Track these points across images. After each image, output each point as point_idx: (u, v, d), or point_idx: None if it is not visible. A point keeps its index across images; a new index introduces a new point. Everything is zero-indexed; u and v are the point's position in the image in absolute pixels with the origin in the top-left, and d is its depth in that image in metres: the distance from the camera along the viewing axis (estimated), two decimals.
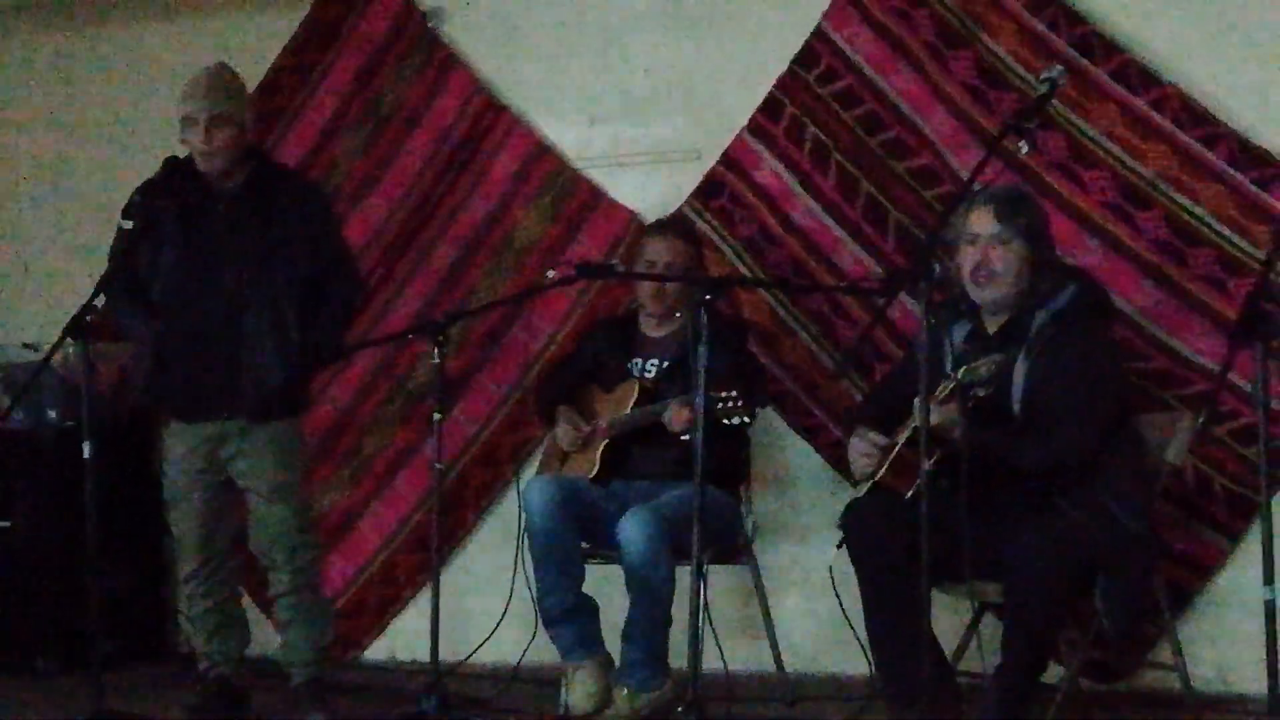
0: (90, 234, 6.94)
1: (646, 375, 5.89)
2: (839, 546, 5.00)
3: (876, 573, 4.91)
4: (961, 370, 4.79)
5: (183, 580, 5.78)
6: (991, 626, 5.31)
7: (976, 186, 4.89)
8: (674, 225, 6.09)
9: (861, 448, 5.11)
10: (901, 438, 4.96)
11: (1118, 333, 5.42)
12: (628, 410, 5.80)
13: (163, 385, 5.67)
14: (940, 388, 4.82)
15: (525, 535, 5.64)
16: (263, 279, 5.54)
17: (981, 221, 4.99)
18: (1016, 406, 4.90)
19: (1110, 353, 5.09)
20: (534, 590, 5.63)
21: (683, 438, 5.53)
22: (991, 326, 5.05)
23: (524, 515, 5.63)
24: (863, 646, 5.03)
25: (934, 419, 4.72)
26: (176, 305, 5.61)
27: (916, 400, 4.58)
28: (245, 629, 5.86)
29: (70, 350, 5.46)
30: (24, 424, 6.60)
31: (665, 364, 5.85)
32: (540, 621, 5.64)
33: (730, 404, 5.14)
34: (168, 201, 5.54)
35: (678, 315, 5.84)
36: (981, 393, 4.82)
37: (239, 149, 5.55)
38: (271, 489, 5.61)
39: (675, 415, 5.58)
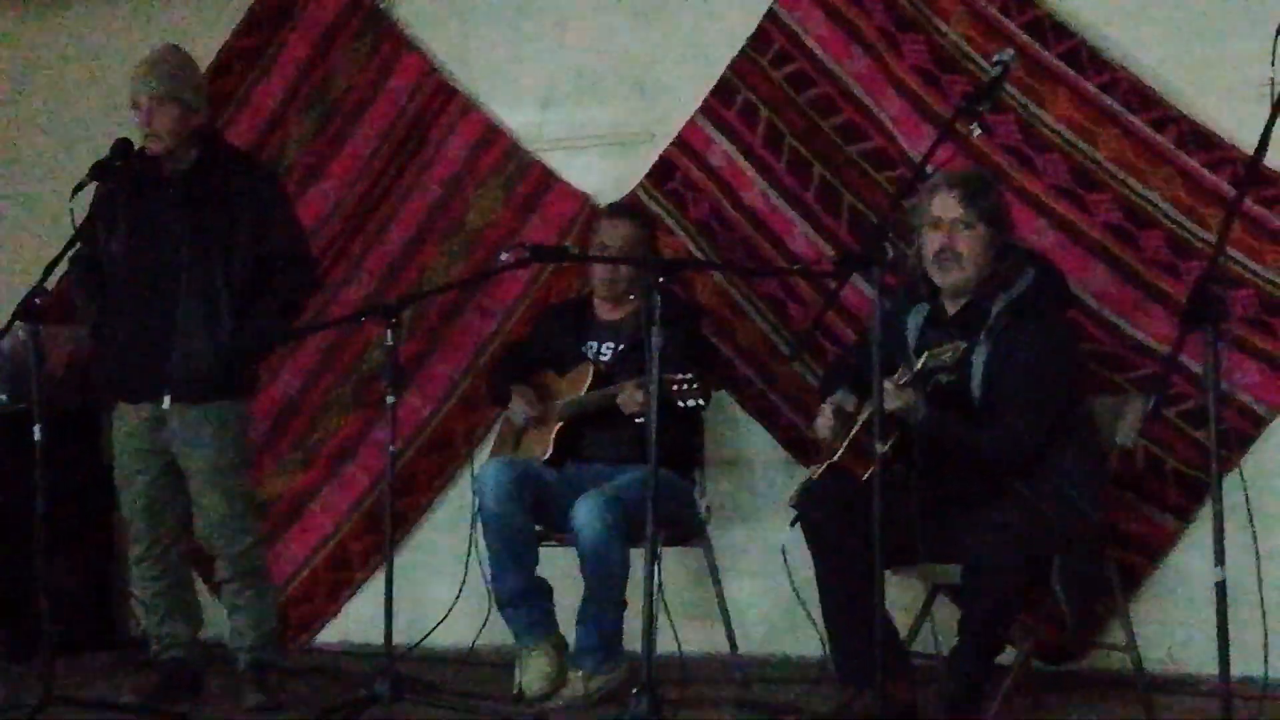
0: (39, 218, 6.92)
1: (601, 358, 5.89)
2: (792, 525, 5.01)
3: (831, 554, 4.92)
4: (925, 355, 4.81)
5: (133, 563, 5.77)
6: (945, 608, 5.34)
7: (929, 170, 4.89)
8: (627, 209, 6.09)
9: (823, 418, 5.12)
10: (860, 419, 4.97)
11: (1073, 318, 5.43)
12: (582, 392, 5.80)
13: (104, 365, 5.67)
14: (900, 372, 4.84)
15: (479, 518, 5.63)
16: (200, 261, 5.51)
17: (945, 206, 5.01)
18: (976, 393, 4.92)
19: (1066, 340, 5.11)
20: (488, 573, 5.63)
21: (636, 420, 5.53)
22: (951, 309, 5.07)
23: (478, 497, 5.63)
24: (816, 627, 5.04)
25: (894, 403, 4.74)
26: (121, 285, 5.61)
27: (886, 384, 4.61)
28: (197, 612, 5.85)
29: (19, 332, 5.43)
30: None
31: (620, 347, 5.85)
32: (494, 604, 5.63)
33: (685, 387, 5.16)
34: (119, 182, 5.52)
35: (631, 298, 5.84)
36: (944, 379, 4.85)
37: (184, 130, 5.53)
38: (208, 474, 5.58)
39: (628, 397, 5.58)
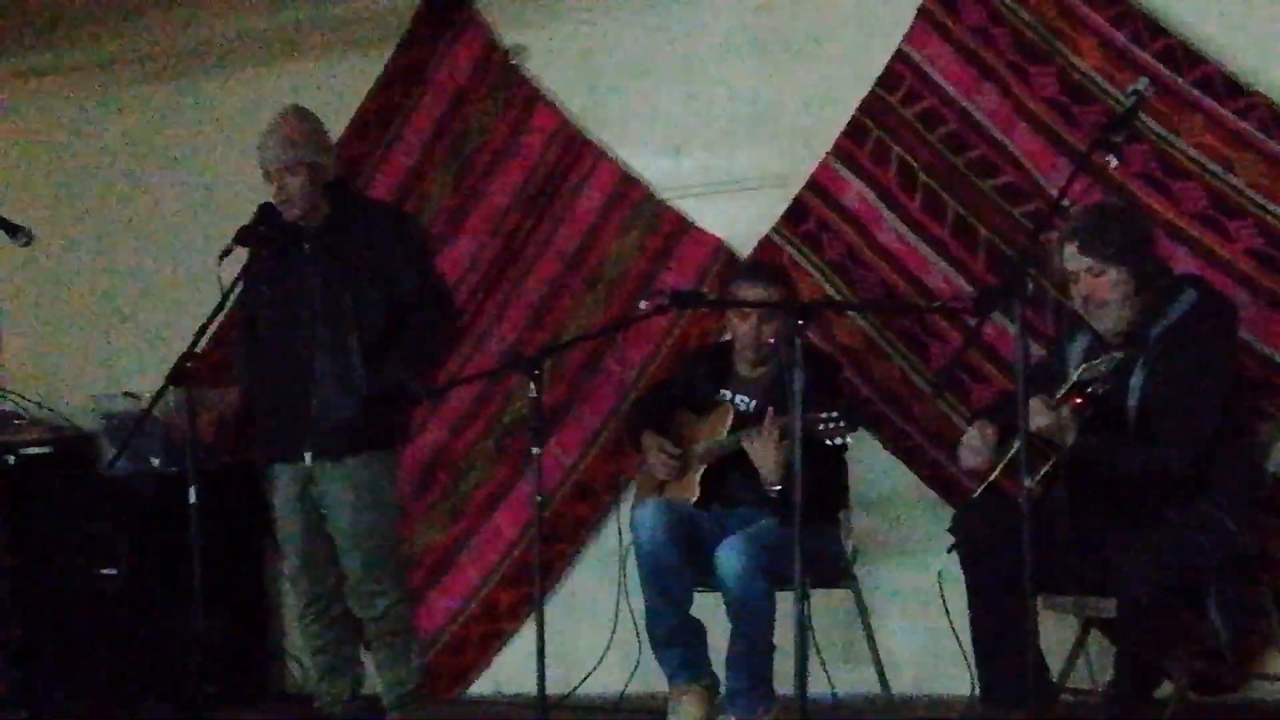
0: (185, 283, 7.04)
1: (739, 406, 5.87)
2: (949, 551, 4.99)
3: (984, 577, 4.91)
4: (1081, 368, 4.78)
5: (297, 620, 5.85)
6: (1099, 642, 5.30)
7: (1066, 203, 4.87)
8: (765, 269, 6.03)
9: (969, 440, 5.10)
10: (1016, 442, 4.93)
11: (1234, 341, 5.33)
12: (723, 436, 5.81)
13: (258, 426, 5.75)
14: (1060, 388, 4.81)
15: (633, 558, 5.65)
16: (332, 314, 5.59)
17: (1071, 258, 4.98)
18: (1132, 416, 4.88)
19: (1225, 364, 5.01)
20: (640, 616, 5.65)
21: (772, 490, 5.53)
22: (1112, 339, 5.02)
23: (633, 537, 5.64)
24: (968, 663, 5.02)
25: (1045, 421, 4.71)
26: (268, 346, 5.73)
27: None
28: (358, 670, 5.90)
29: (171, 398, 5.53)
30: (126, 471, 6.64)
31: (757, 403, 5.79)
32: (647, 647, 5.65)
33: (830, 425, 5.14)
34: (264, 245, 5.62)
35: (772, 353, 5.80)
36: (1100, 389, 4.80)
37: (314, 190, 5.62)
38: (347, 535, 5.65)
39: (762, 439, 5.53)
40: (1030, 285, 4.53)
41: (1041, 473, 4.73)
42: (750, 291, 5.80)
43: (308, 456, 5.64)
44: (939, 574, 5.07)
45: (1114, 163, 4.84)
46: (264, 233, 5.60)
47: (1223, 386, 4.94)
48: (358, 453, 5.62)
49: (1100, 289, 4.94)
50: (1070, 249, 4.97)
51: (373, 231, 5.67)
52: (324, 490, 5.65)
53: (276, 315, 5.73)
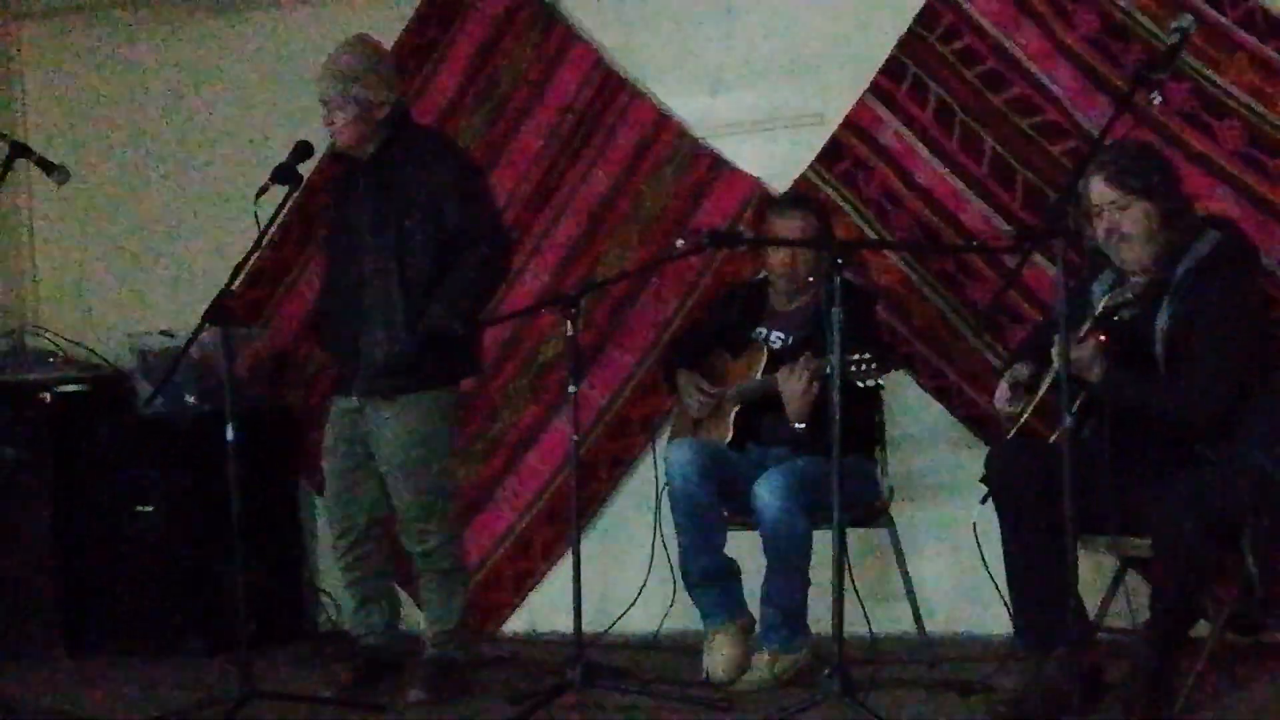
0: (222, 220, 7.05)
1: (772, 345, 5.87)
2: (983, 501, 4.98)
3: (1018, 518, 4.90)
4: (1105, 297, 4.76)
5: (333, 552, 5.90)
6: (1137, 579, 5.29)
7: (1107, 142, 4.83)
8: (799, 200, 6.04)
9: (1000, 391, 5.09)
10: (1044, 384, 4.92)
11: (1262, 283, 5.32)
12: (757, 376, 5.80)
13: (326, 358, 5.79)
14: (1085, 322, 4.80)
15: (667, 498, 5.66)
16: (380, 249, 5.58)
17: (1098, 192, 4.94)
18: (1161, 357, 4.86)
19: (1253, 302, 5.00)
20: (674, 555, 5.66)
21: (797, 428, 5.53)
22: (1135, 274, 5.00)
23: (666, 478, 5.65)
24: (1005, 603, 5.02)
25: (1072, 354, 4.69)
26: (328, 280, 5.75)
27: (1054, 348, 4.58)
28: (393, 603, 5.93)
29: (210, 336, 5.54)
30: (162, 410, 6.65)
31: (792, 337, 5.81)
32: (681, 586, 5.66)
33: (865, 366, 5.13)
34: (324, 180, 5.63)
35: (810, 280, 5.81)
36: (1125, 315, 4.78)
37: (365, 126, 5.60)
38: (395, 470, 5.65)
39: (791, 381, 5.55)
40: (1072, 224, 4.49)
41: (1075, 405, 4.72)
42: (786, 222, 5.80)
43: (355, 394, 5.64)
44: (975, 515, 5.04)
45: (1158, 100, 4.81)
46: (300, 171, 5.57)
47: (1250, 326, 4.92)
48: (408, 392, 5.60)
49: (1126, 223, 4.91)
50: (1097, 183, 4.94)
51: (424, 165, 5.63)
52: (372, 428, 5.66)
53: (334, 249, 5.77)
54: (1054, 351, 4.66)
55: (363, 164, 5.65)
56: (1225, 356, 4.82)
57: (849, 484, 5.02)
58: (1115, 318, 4.79)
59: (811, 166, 6.39)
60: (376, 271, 5.59)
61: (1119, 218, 4.91)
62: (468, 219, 5.59)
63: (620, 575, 6.30)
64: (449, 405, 5.75)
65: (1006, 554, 4.98)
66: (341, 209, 5.75)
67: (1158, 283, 4.89)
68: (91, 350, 7.28)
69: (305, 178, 5.70)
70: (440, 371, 5.67)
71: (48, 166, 5.80)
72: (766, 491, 5.44)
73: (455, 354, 5.70)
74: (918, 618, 5.79)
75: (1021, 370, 5.09)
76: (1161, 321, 4.86)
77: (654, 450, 6.10)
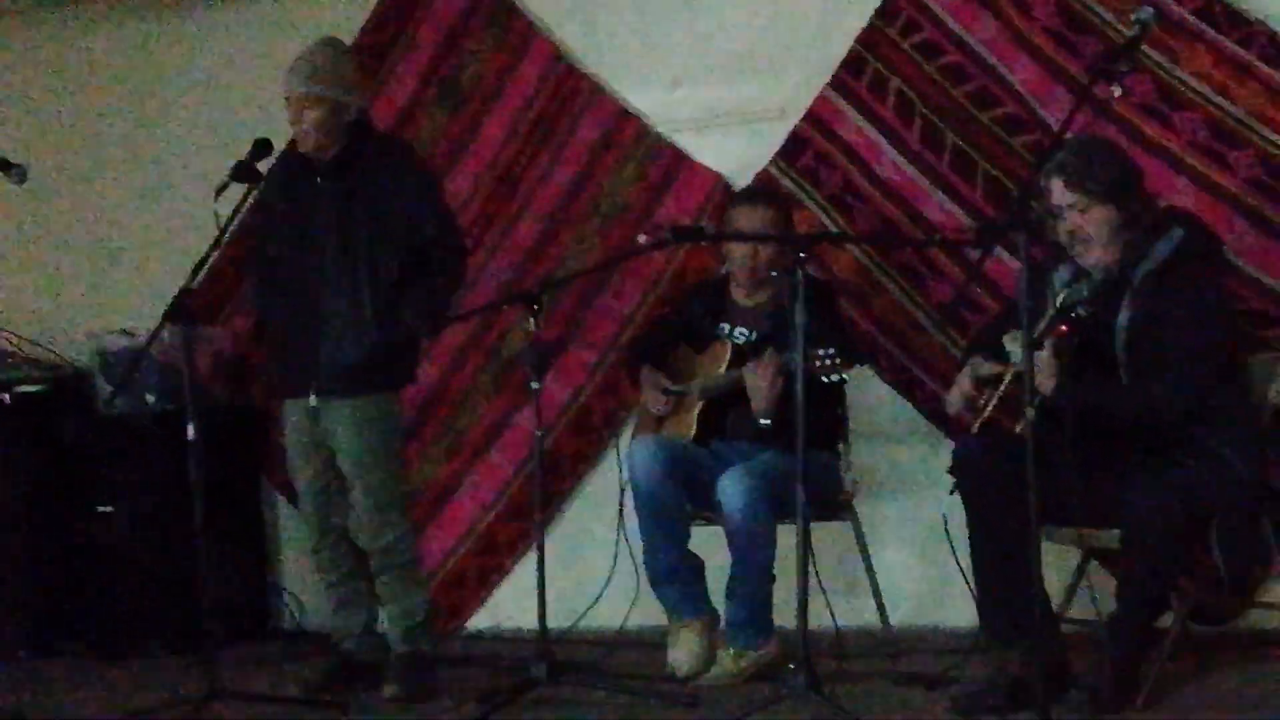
0: (182, 219, 7.01)
1: (736, 341, 5.86)
2: (951, 493, 4.99)
3: (984, 510, 4.90)
4: (1063, 293, 4.77)
5: (311, 556, 5.89)
6: (1101, 571, 5.31)
7: (1068, 136, 4.83)
8: (760, 193, 6.04)
9: (954, 392, 5.10)
10: (1007, 377, 4.91)
11: (1226, 280, 5.32)
12: (721, 372, 5.80)
13: (269, 362, 5.75)
14: (1042, 318, 4.80)
15: (630, 495, 5.66)
16: (346, 254, 5.56)
17: (1059, 194, 4.93)
18: (1122, 357, 4.87)
19: (1218, 300, 4.98)
20: (638, 550, 5.66)
21: (762, 424, 5.53)
22: (1098, 275, 5.00)
23: (628, 475, 5.66)
24: (972, 593, 5.03)
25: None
26: (279, 283, 5.70)
27: (1005, 339, 4.58)
28: (370, 604, 5.90)
29: (171, 334, 5.52)
30: (123, 409, 6.63)
31: (756, 333, 5.81)
32: (644, 583, 5.66)
33: (828, 362, 5.13)
34: (274, 179, 5.60)
35: (773, 275, 5.80)
36: (1083, 312, 4.79)
37: (331, 128, 5.57)
38: (353, 469, 5.65)
39: (756, 375, 5.55)
40: (1033, 218, 4.49)
41: (1036, 402, 4.72)
42: (747, 216, 5.81)
43: (313, 396, 5.63)
44: (944, 507, 5.05)
45: (1118, 92, 4.81)
46: (258, 169, 5.53)
47: (1217, 323, 4.92)
48: (365, 393, 5.61)
49: (1086, 226, 4.91)
50: (1057, 184, 4.93)
51: (388, 170, 5.62)
52: (330, 426, 5.65)
53: (288, 251, 5.71)
54: (1012, 345, 4.66)
55: (321, 166, 5.62)
56: (1193, 358, 4.82)
57: (812, 477, 5.02)
58: (1073, 314, 4.80)
59: (773, 161, 6.39)
60: (341, 275, 5.56)
61: (1080, 220, 4.90)
62: (436, 227, 5.62)
63: (584, 571, 6.29)
64: (398, 408, 5.80)
65: (972, 546, 4.99)
66: (293, 210, 5.70)
67: (1116, 281, 4.89)
68: (51, 350, 7.23)
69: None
70: (391, 376, 5.72)
71: (5, 165, 5.78)
72: (731, 487, 5.44)
73: (407, 360, 5.77)
74: (882, 611, 5.79)
75: (981, 364, 5.09)
76: (1123, 321, 4.86)
77: (617, 446, 6.09)
